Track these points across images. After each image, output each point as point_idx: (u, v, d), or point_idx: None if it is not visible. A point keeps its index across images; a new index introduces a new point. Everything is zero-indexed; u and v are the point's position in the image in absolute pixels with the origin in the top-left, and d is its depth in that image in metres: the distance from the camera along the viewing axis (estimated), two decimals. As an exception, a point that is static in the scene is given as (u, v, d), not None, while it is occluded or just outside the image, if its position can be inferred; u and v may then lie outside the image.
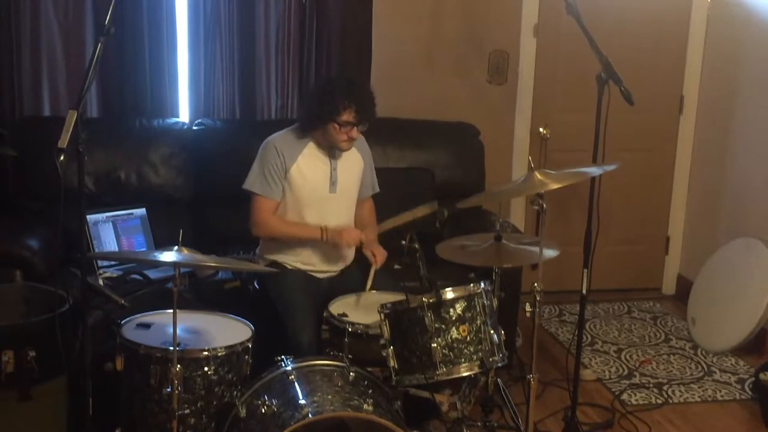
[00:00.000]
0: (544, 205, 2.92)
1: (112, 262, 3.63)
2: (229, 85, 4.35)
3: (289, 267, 3.43)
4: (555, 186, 2.85)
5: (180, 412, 2.64)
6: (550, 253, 3.03)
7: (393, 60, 4.58)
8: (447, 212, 4.27)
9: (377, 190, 3.69)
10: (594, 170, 3.11)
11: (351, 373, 2.76)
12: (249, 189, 3.39)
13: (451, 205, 3.42)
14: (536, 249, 2.97)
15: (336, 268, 3.50)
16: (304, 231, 3.40)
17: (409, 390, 2.90)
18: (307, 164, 3.40)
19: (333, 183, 3.44)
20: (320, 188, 3.42)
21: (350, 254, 3.55)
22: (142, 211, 3.86)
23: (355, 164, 3.53)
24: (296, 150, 3.40)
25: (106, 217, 3.74)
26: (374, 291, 3.29)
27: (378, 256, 3.41)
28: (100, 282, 3.37)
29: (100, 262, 3.59)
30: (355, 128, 3.32)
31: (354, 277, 3.44)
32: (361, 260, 3.52)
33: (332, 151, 3.41)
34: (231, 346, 2.79)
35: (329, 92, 3.32)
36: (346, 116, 3.29)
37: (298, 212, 3.42)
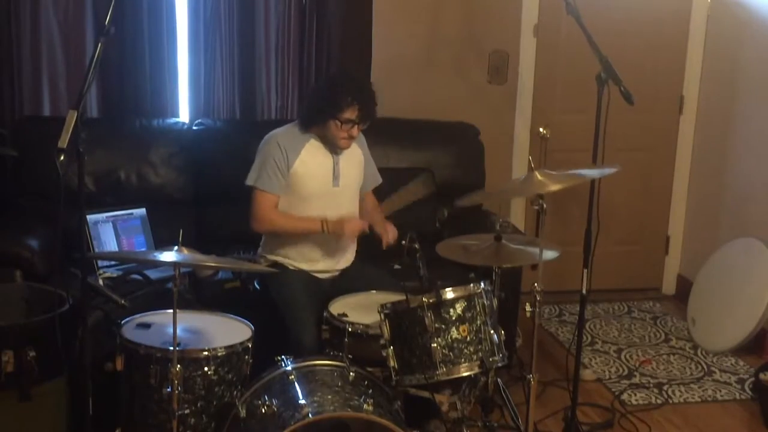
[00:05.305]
0: (544, 205, 2.92)
1: (112, 262, 3.62)
2: (229, 85, 4.35)
3: (291, 268, 3.43)
4: (555, 187, 2.85)
5: (180, 412, 2.64)
6: (550, 254, 3.02)
7: (393, 60, 4.58)
8: (447, 211, 4.29)
9: (380, 180, 3.68)
10: (593, 173, 3.10)
11: (351, 373, 2.76)
12: (251, 184, 3.38)
13: (451, 204, 3.41)
14: (536, 249, 2.97)
15: (337, 267, 3.50)
16: (304, 224, 3.38)
17: (409, 390, 2.89)
18: (311, 159, 3.40)
19: (336, 177, 3.44)
20: (324, 182, 3.42)
21: (351, 252, 3.55)
22: (142, 211, 3.85)
23: (356, 157, 3.53)
24: (299, 145, 3.40)
25: (106, 217, 3.74)
26: (374, 291, 3.29)
27: (390, 232, 3.40)
28: (100, 282, 3.36)
29: (100, 262, 3.59)
30: (356, 126, 3.32)
31: (354, 277, 3.44)
32: (361, 261, 3.52)
33: (333, 147, 3.41)
34: (231, 346, 2.79)
35: (333, 89, 3.32)
36: (349, 114, 3.28)
37: (302, 207, 3.41)
